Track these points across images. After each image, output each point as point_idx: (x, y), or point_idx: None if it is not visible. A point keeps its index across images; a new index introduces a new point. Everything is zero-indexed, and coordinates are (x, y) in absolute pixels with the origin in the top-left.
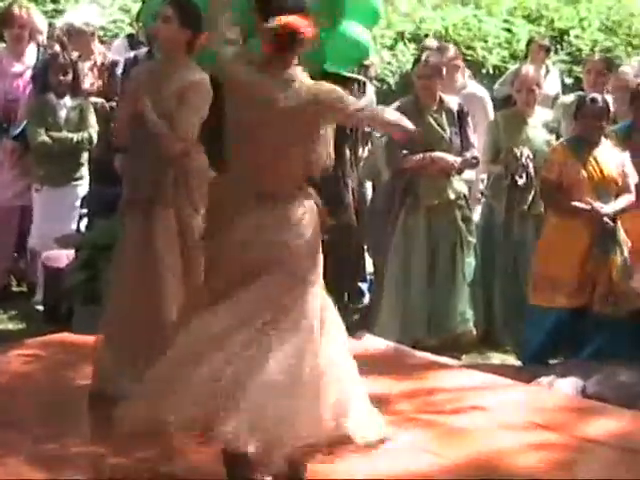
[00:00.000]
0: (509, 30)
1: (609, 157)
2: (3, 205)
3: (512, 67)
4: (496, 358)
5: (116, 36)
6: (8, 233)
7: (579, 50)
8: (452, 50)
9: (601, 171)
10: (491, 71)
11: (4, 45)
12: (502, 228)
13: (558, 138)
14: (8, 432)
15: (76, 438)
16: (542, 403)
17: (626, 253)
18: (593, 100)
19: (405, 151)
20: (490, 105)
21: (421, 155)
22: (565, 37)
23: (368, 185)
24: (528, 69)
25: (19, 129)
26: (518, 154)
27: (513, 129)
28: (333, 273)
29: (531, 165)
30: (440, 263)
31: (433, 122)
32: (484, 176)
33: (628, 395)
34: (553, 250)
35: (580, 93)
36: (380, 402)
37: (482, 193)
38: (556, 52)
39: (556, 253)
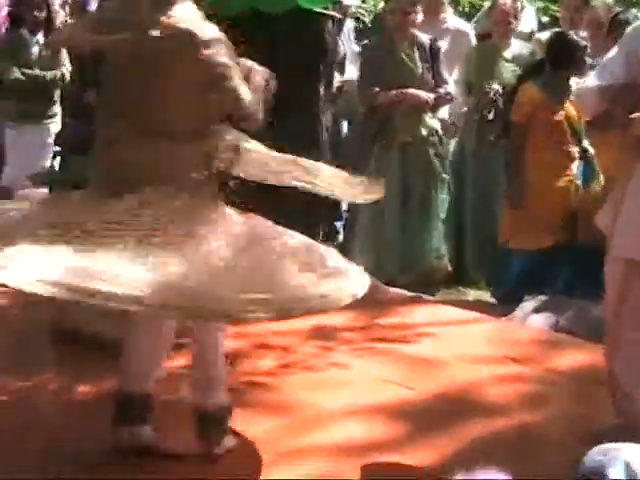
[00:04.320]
0: None
1: None
2: None
3: (487, 4)
4: (471, 295)
5: None
6: None
7: None
8: None
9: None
10: (467, 9)
11: None
12: (472, 163)
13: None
14: None
15: (42, 372)
16: (515, 337)
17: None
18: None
19: (378, 88)
20: (474, 40)
21: (394, 91)
22: None
23: (344, 123)
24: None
25: None
26: (488, 90)
27: (486, 62)
28: (308, 211)
29: (500, 99)
30: (413, 200)
31: (406, 58)
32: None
33: (599, 330)
34: (537, 192)
35: (556, 30)
36: (354, 335)
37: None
38: None
39: (541, 194)
